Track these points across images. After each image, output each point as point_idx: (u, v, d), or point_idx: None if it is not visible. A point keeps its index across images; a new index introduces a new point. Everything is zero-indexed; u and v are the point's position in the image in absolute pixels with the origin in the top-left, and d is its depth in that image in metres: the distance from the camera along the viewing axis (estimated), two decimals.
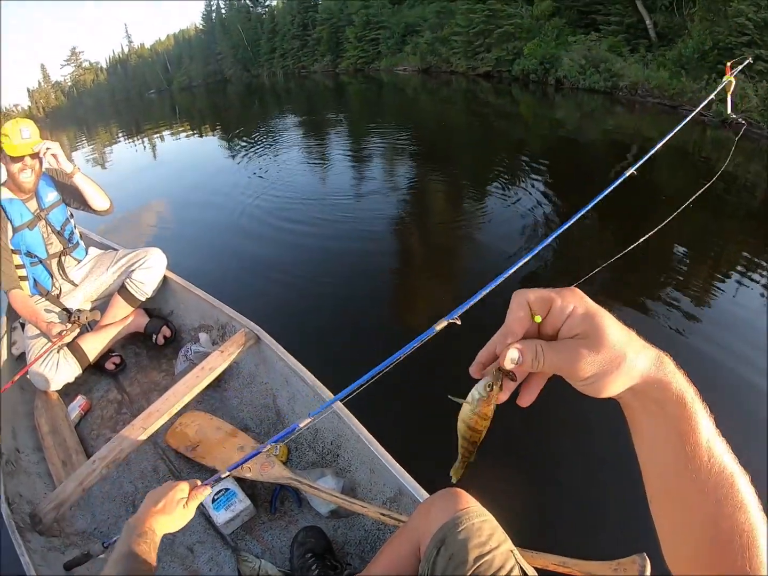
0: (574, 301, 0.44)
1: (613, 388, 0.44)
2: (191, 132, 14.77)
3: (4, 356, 2.63)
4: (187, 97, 32.74)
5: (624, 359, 0.43)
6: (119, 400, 2.51)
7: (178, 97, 35.68)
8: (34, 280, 2.55)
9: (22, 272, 2.49)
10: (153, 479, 2.05)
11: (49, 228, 2.53)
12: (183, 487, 1.09)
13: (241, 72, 34.38)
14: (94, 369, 2.64)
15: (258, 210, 5.40)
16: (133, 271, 2.65)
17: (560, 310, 0.44)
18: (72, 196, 2.60)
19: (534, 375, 0.49)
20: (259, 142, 9.48)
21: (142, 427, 1.87)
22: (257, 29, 32.65)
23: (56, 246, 2.58)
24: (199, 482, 1.14)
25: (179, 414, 2.07)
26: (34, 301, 2.52)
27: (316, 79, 21.47)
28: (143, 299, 2.69)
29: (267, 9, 34.60)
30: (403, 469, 1.50)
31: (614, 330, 0.43)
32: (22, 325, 2.67)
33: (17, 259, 2.46)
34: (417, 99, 12.64)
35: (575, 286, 0.46)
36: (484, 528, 1.00)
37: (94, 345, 2.54)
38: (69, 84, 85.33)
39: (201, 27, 42.58)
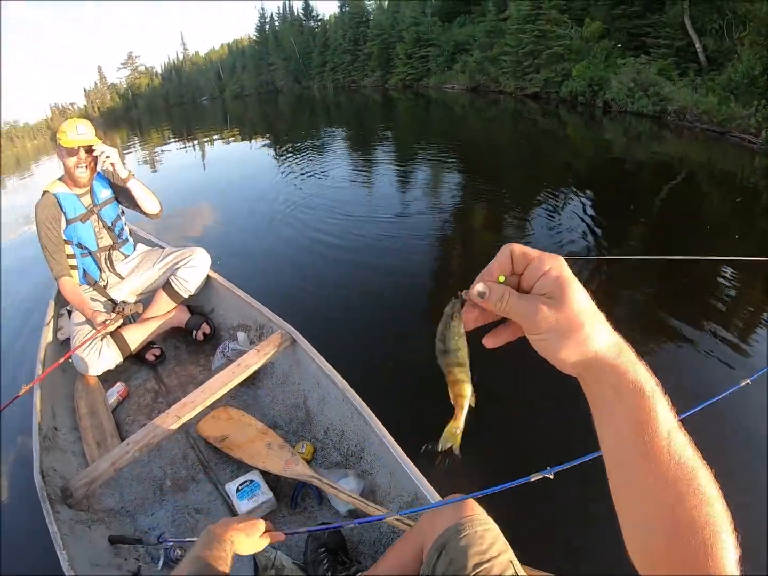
0: (551, 264, 0.45)
1: (566, 352, 0.45)
2: (241, 139, 15.16)
3: (50, 339, 2.77)
4: (238, 106, 33.57)
5: (580, 327, 0.44)
6: (156, 390, 2.61)
7: (229, 104, 36.62)
8: (84, 270, 2.68)
9: (73, 262, 2.62)
10: (182, 466, 2.12)
11: (100, 223, 2.65)
12: (262, 525, 1.10)
13: (292, 83, 35.11)
14: (135, 359, 2.74)
15: (299, 220, 5.50)
16: (178, 268, 2.75)
17: (536, 268, 0.46)
18: (125, 197, 2.70)
19: (505, 325, 0.51)
20: (306, 153, 9.66)
21: (177, 416, 1.94)
22: (309, 42, 33.33)
23: (106, 240, 2.70)
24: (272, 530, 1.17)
25: (212, 407, 2.14)
26: (82, 290, 2.64)
27: (366, 93, 21.73)
28: (186, 296, 2.79)
29: (319, 23, 35.31)
30: (421, 475, 1.53)
31: (579, 299, 0.44)
32: (69, 312, 2.81)
33: (69, 249, 2.59)
34: (465, 117, 12.65)
35: None
36: (486, 536, 1.02)
37: (136, 336, 2.64)
38: (124, 86, 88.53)
39: (254, 38, 43.58)
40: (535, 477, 0.86)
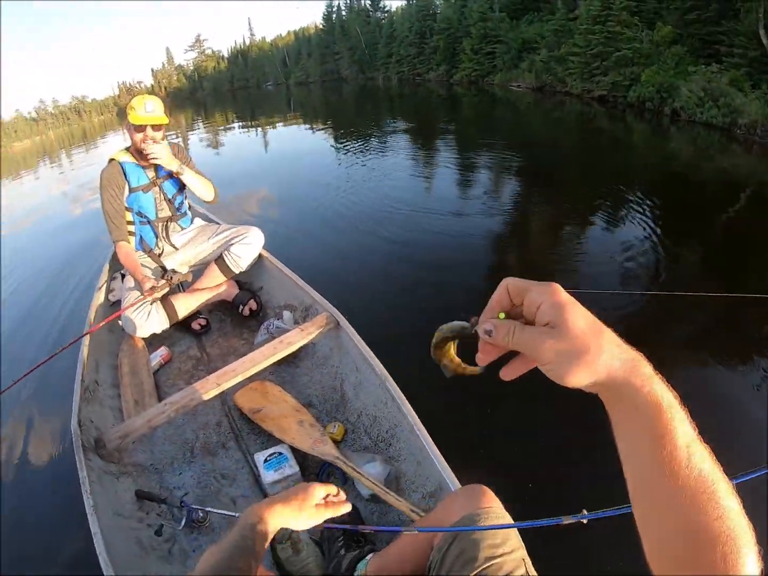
0: (547, 292, 0.46)
1: (576, 378, 0.45)
2: (303, 125, 15.35)
3: (101, 300, 2.91)
4: (302, 92, 34.01)
5: (586, 351, 0.44)
6: (198, 358, 2.69)
7: (294, 91, 37.18)
8: (141, 237, 2.78)
9: (131, 228, 2.73)
10: (214, 432, 2.19)
11: (162, 194, 2.75)
12: (321, 492, 0.99)
13: (356, 73, 35.24)
14: (181, 326, 2.84)
15: (354, 208, 5.54)
16: (232, 244, 2.81)
17: (532, 300, 0.47)
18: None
19: (520, 356, 0.51)
20: (366, 143, 9.71)
21: (216, 383, 2.00)
22: (375, 33, 33.36)
23: (165, 212, 2.80)
24: (341, 493, 1.06)
25: (251, 379, 2.19)
26: (136, 255, 2.74)
27: (430, 87, 21.55)
28: (237, 272, 2.86)
29: (386, 14, 35.29)
30: (447, 466, 1.52)
31: (579, 323, 0.44)
32: (122, 276, 2.93)
33: (128, 216, 2.70)
34: (529, 117, 12.38)
35: None
36: (500, 531, 1.00)
37: (184, 305, 2.72)
38: (191, 68, 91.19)
39: (321, 26, 43.90)
40: (567, 520, 0.82)
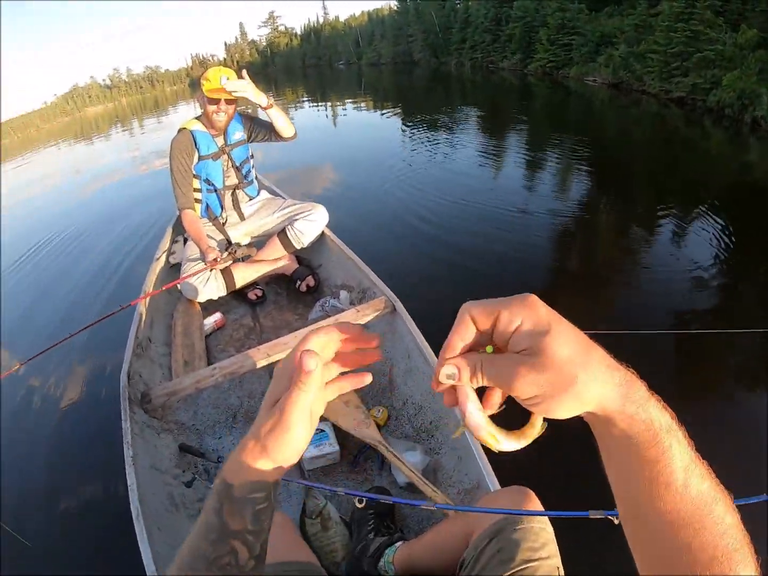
0: (523, 313, 0.39)
1: (561, 412, 0.40)
2: (372, 106, 15.33)
3: (162, 262, 3.00)
4: (373, 73, 33.95)
5: (573, 382, 0.38)
6: (251, 327, 2.74)
7: (365, 71, 37.17)
8: (207, 204, 2.84)
9: (198, 196, 2.78)
10: (258, 401, 2.20)
11: (230, 162, 2.79)
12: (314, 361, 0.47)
13: (429, 57, 34.77)
14: (237, 295, 2.90)
15: (416, 195, 5.48)
16: (296, 220, 2.85)
17: (506, 324, 0.40)
18: (261, 128, 2.84)
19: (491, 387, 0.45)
20: (435, 128, 9.58)
21: (267, 353, 2.03)
22: (450, 17, 32.77)
23: (233, 179, 2.85)
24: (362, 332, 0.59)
25: None
26: (201, 223, 2.79)
27: (503, 75, 20.96)
28: (298, 247, 2.89)
29: None
30: (488, 463, 1.49)
31: (565, 348, 0.38)
32: (185, 240, 3.00)
33: (196, 184, 2.76)
34: (604, 114, 11.89)
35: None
36: (541, 535, 0.97)
37: (243, 275, 2.78)
38: (263, 44, 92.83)
39: (395, 8, 43.55)
40: (594, 515, 0.78)
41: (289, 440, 0.48)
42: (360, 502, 1.22)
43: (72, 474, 2.33)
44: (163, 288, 2.50)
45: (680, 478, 0.40)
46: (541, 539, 0.96)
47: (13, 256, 5.69)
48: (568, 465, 1.97)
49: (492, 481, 1.43)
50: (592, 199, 5.39)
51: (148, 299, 2.55)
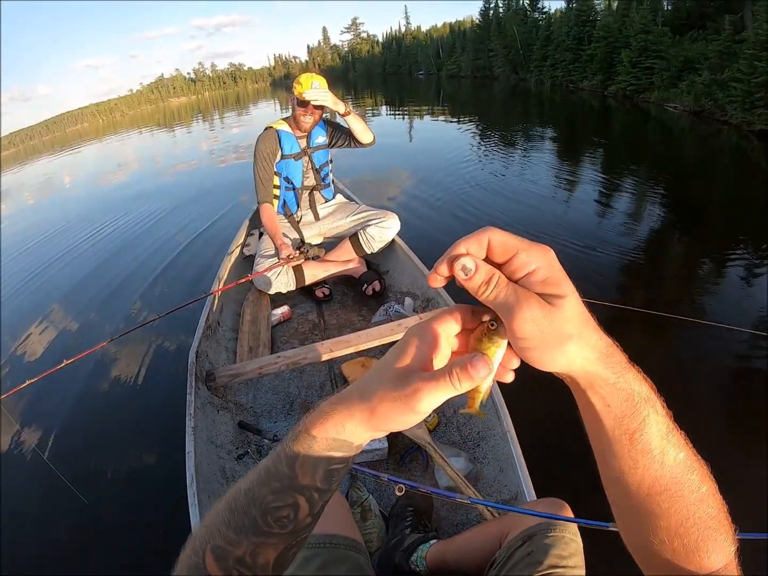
0: (541, 262, 0.39)
1: (547, 363, 0.41)
2: (450, 118, 15.35)
3: (237, 252, 3.15)
4: (452, 85, 33.80)
5: (569, 339, 0.39)
6: (315, 323, 2.85)
7: (444, 82, 37.07)
8: (284, 201, 2.98)
9: (276, 192, 2.92)
10: (316, 393, 2.30)
11: (310, 164, 2.93)
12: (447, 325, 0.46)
13: (509, 72, 34.33)
14: (305, 291, 3.03)
15: (484, 211, 5.46)
16: (369, 225, 2.91)
17: (523, 263, 0.40)
18: (342, 134, 2.93)
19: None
20: (509, 146, 9.49)
21: (330, 349, 2.13)
22: (532, 34, 32.28)
23: (311, 180, 2.98)
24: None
25: (361, 353, 2.27)
26: (278, 219, 2.92)
27: (583, 96, 20.36)
28: (368, 252, 2.96)
29: (544, 15, 34.07)
30: (528, 475, 1.51)
31: (571, 307, 0.39)
32: (260, 234, 3.14)
33: (276, 181, 2.89)
34: (683, 143, 11.31)
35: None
36: (571, 545, 1.00)
37: (313, 272, 2.89)
38: (345, 49, 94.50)
39: (477, 21, 43.22)
40: (614, 527, 0.82)
41: (404, 422, 0.44)
42: (400, 490, 1.23)
43: (136, 441, 2.50)
44: (239, 282, 2.62)
45: (658, 446, 0.42)
46: (570, 549, 0.99)
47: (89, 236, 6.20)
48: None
49: (530, 493, 1.46)
50: (665, 234, 5.16)
51: (221, 287, 2.70)
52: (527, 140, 10.24)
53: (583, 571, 0.98)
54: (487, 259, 0.41)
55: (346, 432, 0.46)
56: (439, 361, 0.45)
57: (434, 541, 1.39)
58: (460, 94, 26.61)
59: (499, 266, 0.41)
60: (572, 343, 0.39)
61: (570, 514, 1.09)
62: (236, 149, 12.10)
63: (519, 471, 1.54)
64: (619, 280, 4.07)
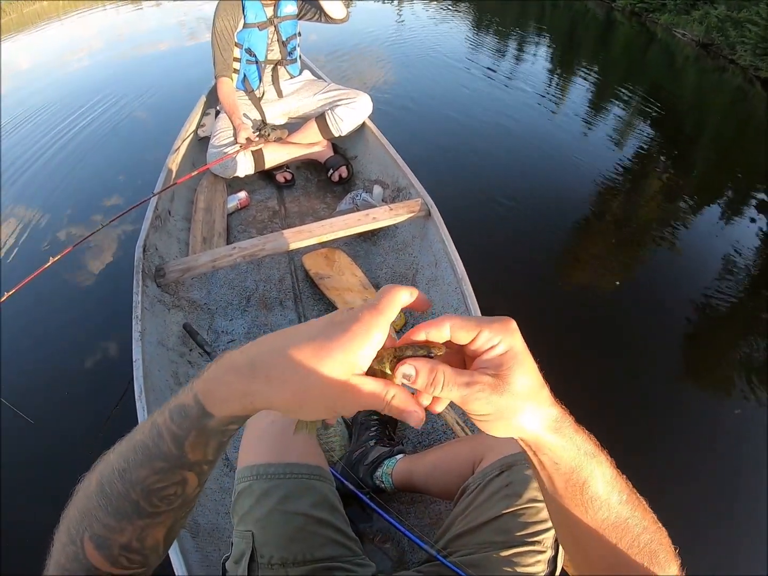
0: (502, 335, 0.40)
1: (500, 432, 0.42)
2: (446, 15, 14.44)
3: (191, 132, 2.86)
4: None
5: (522, 412, 0.40)
6: (275, 210, 2.65)
7: None
8: (245, 75, 2.67)
9: (236, 65, 2.62)
10: (275, 287, 2.16)
11: (276, 35, 2.61)
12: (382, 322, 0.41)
13: None
14: (265, 175, 2.80)
15: (468, 113, 5.09)
16: (338, 105, 2.68)
17: (485, 342, 0.41)
18: (312, 6, 2.63)
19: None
20: (501, 51, 8.99)
21: (290, 239, 1.93)
22: None
23: (276, 54, 2.68)
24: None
25: (324, 245, 2.15)
26: (237, 95, 2.65)
27: (588, 6, 19.40)
28: (336, 134, 2.73)
29: None
30: None
31: (526, 380, 0.40)
32: (216, 113, 2.86)
33: (236, 53, 2.58)
34: (683, 74, 10.90)
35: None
36: None
37: (274, 156, 2.64)
38: None
39: None
40: None
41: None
42: None
43: (77, 350, 2.27)
44: (191, 175, 2.36)
45: (603, 493, 0.45)
46: None
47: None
48: None
49: None
50: (647, 160, 4.99)
51: (174, 171, 2.44)
52: (520, 46, 9.66)
53: None
54: (451, 343, 0.42)
55: (257, 406, 0.41)
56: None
57: (400, 456, 1.35)
58: None
59: (464, 346, 0.42)
60: (524, 415, 0.41)
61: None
62: (207, 27, 11.20)
63: None
64: (595, 191, 3.98)
